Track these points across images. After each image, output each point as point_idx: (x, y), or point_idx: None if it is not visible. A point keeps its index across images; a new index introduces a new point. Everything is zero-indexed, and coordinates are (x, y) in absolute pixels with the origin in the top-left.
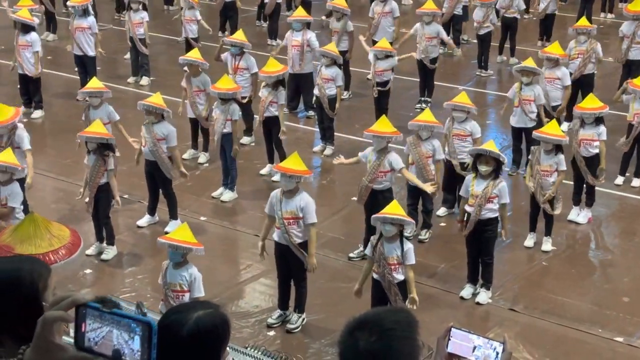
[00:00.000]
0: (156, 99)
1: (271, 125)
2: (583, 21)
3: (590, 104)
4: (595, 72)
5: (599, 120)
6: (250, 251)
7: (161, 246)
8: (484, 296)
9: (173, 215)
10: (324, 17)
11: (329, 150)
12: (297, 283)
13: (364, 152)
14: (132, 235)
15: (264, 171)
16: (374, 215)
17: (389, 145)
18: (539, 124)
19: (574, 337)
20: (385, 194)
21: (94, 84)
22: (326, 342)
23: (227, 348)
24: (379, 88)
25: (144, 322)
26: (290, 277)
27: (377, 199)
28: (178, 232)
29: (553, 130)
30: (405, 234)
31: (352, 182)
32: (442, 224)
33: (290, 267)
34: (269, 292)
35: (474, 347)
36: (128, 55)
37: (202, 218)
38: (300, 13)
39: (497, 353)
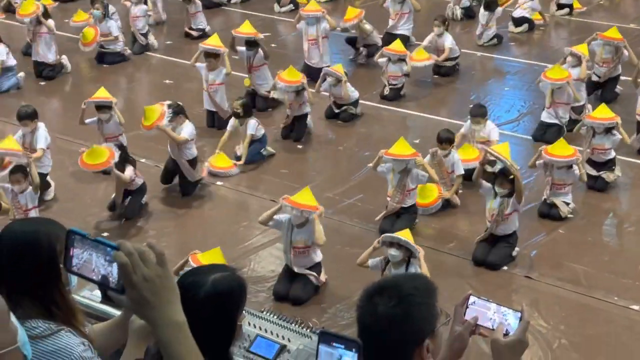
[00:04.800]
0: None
1: (296, 121)
2: (613, 32)
3: (601, 114)
4: (620, 73)
5: (609, 129)
6: None
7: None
8: None
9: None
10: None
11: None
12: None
13: (382, 167)
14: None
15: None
16: (384, 235)
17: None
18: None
19: (589, 305)
20: (411, 209)
21: (102, 93)
22: (342, 307)
23: (244, 311)
24: (391, 86)
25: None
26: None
27: (399, 215)
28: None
29: (563, 151)
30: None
31: (368, 149)
32: (461, 191)
33: (294, 286)
34: None
35: (492, 316)
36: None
37: (219, 183)
38: (313, 6)
39: (516, 321)
